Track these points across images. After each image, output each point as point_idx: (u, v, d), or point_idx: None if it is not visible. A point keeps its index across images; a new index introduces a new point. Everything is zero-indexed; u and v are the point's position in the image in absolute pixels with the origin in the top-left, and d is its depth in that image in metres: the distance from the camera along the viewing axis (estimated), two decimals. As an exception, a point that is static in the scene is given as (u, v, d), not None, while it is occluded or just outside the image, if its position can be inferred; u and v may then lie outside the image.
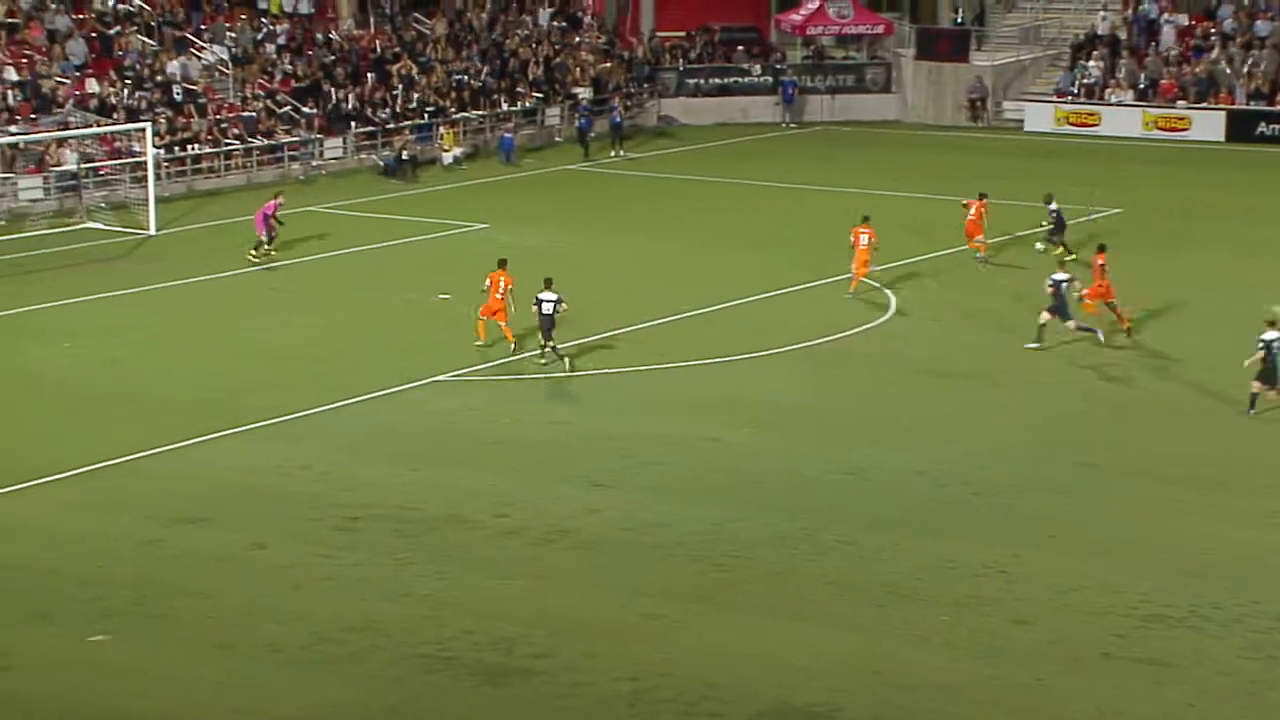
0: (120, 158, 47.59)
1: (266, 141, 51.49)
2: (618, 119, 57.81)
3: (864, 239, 36.94)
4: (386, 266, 40.37)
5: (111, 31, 52.74)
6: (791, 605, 21.62)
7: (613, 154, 56.48)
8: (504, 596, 21.75)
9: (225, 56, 54.08)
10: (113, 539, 23.51)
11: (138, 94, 50.02)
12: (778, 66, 65.09)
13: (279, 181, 50.57)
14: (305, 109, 53.26)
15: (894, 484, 25.97)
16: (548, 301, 31.30)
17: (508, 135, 55.80)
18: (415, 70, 57.20)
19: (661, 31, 67.79)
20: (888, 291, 37.58)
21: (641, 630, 20.91)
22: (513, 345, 32.22)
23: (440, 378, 31.07)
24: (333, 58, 56.23)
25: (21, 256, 40.89)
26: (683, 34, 67.05)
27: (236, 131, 51.10)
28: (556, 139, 59.06)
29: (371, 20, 60.17)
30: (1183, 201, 48.75)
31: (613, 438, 27.98)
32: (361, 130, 54.01)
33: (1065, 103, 61.64)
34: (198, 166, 49.74)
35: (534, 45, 61.94)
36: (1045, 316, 32.71)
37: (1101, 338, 32.82)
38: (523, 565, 22.74)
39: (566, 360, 31.45)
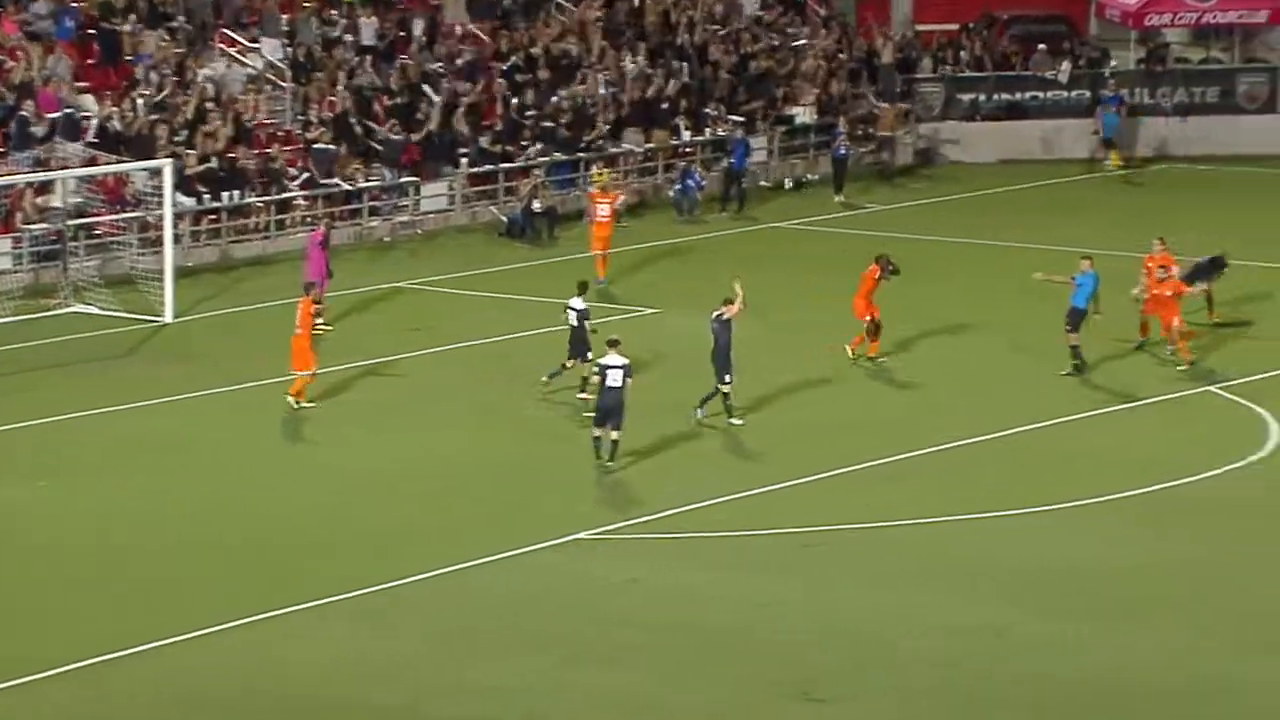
0: (125, 210, 48.66)
1: (339, 187, 52.26)
2: (842, 151, 58.15)
3: None
4: (509, 367, 40.72)
5: (119, 28, 53.71)
6: None
7: (837, 199, 57.33)
8: None
9: (281, 62, 55.17)
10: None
11: (153, 117, 51.06)
12: (1099, 74, 64.96)
13: (356, 245, 51.34)
14: (393, 137, 54.01)
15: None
16: (613, 369, 34.09)
17: (692, 178, 56.13)
18: (552, 82, 57.91)
19: (922, 23, 68.03)
20: (1265, 414, 37.29)
21: None
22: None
23: (583, 534, 31.32)
24: (437, 64, 57.20)
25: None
26: (954, 27, 67.25)
27: (295, 172, 52.01)
28: (762, 182, 59.48)
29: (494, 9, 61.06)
30: None
31: (846, 624, 27.94)
32: (474, 170, 54.80)
33: None
34: (238, 223, 50.74)
35: (733, 45, 62.48)
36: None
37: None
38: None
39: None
